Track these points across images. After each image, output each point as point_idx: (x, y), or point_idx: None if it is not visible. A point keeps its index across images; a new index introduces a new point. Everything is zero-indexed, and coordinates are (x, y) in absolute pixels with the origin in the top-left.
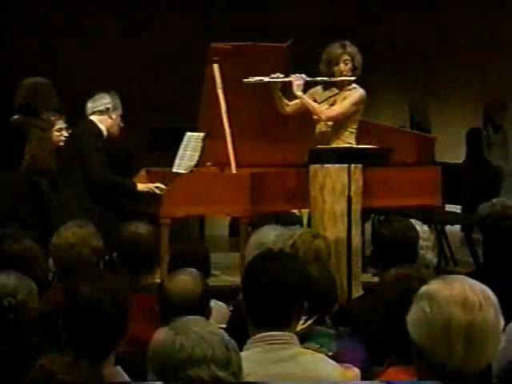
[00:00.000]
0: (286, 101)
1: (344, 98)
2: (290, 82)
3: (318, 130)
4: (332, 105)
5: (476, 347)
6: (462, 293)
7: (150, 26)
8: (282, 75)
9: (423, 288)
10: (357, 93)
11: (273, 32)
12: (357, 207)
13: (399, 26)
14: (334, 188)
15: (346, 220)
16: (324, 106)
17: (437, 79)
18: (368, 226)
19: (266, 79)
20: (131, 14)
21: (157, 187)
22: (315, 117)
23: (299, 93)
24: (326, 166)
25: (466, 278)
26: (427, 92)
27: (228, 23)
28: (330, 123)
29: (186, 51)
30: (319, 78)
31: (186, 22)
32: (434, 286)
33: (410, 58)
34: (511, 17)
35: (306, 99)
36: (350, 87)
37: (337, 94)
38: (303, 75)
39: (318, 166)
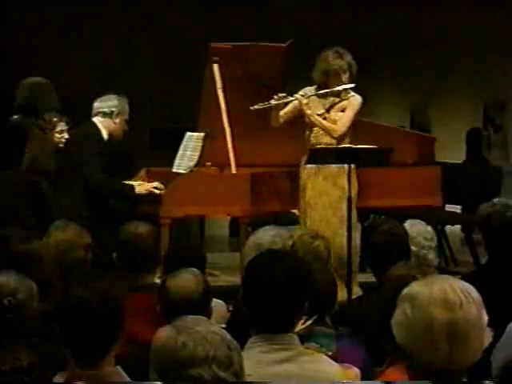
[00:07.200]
0: (279, 113)
1: (343, 107)
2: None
3: (313, 134)
4: (328, 110)
5: (460, 345)
6: (441, 292)
7: (151, 26)
8: (284, 95)
9: (404, 290)
10: (356, 101)
11: (273, 32)
12: (355, 208)
13: (399, 26)
14: (334, 189)
15: (346, 221)
16: (320, 111)
17: (437, 79)
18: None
19: (274, 102)
20: (131, 14)
21: (155, 187)
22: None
23: (309, 111)
24: (323, 166)
25: (447, 277)
26: (427, 92)
27: (228, 23)
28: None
29: (186, 51)
30: (321, 92)
31: (185, 22)
32: (414, 288)
33: (411, 58)
34: (511, 17)
35: (318, 119)
36: (349, 95)
37: (334, 100)
38: (307, 91)
39: (314, 166)
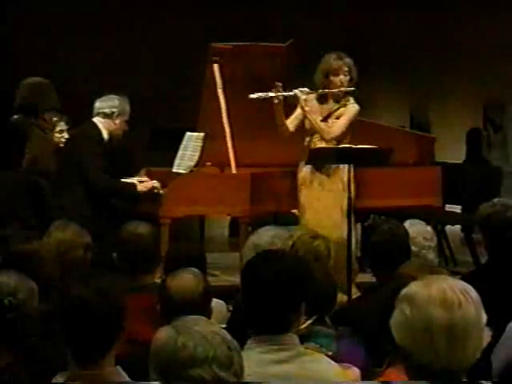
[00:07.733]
0: (286, 121)
1: (340, 114)
2: (295, 96)
3: (313, 140)
4: (326, 117)
5: (458, 345)
6: (440, 292)
7: (151, 26)
8: (281, 85)
9: (403, 291)
10: (353, 109)
11: (273, 32)
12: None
13: (399, 27)
14: (333, 188)
15: (345, 220)
16: (318, 118)
17: (437, 79)
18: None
19: (272, 94)
20: (131, 14)
21: (155, 187)
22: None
23: (307, 108)
24: (321, 167)
25: (446, 277)
26: (427, 92)
27: (228, 23)
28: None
29: (185, 51)
30: (320, 91)
31: (185, 22)
32: (413, 288)
33: (410, 58)
34: (511, 17)
35: (314, 117)
36: (348, 102)
37: (333, 108)
38: (306, 88)
39: (312, 167)
